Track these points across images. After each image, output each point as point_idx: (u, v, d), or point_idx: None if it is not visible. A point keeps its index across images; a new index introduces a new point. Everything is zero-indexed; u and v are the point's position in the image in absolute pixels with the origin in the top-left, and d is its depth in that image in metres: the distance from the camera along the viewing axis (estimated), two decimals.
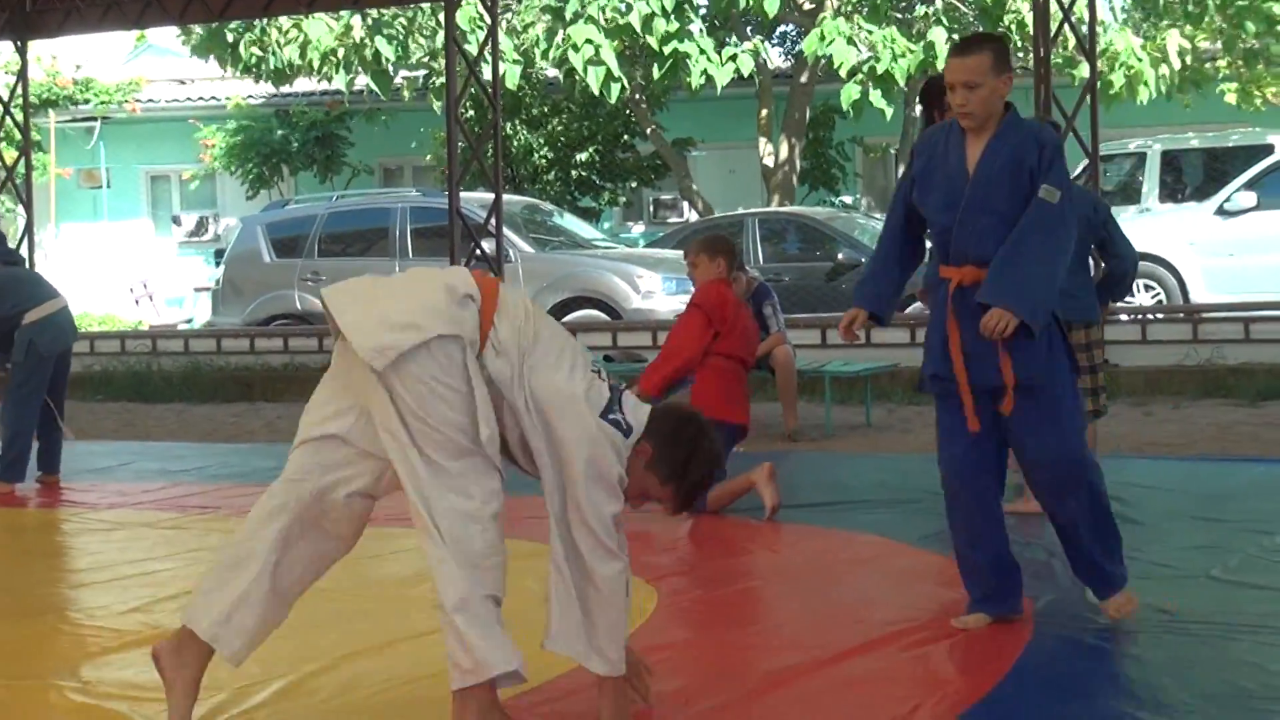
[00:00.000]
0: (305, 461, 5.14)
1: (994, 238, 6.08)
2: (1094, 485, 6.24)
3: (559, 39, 23.36)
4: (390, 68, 25.91)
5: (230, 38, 25.83)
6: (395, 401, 4.80)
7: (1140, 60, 22.63)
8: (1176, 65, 22.83)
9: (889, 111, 23.10)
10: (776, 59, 29.71)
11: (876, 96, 22.70)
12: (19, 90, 20.35)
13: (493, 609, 4.85)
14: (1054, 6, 15.34)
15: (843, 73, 22.76)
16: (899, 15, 24.15)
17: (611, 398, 5.00)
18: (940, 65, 22.59)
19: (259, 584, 5.09)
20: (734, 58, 23.70)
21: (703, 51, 23.36)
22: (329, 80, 26.58)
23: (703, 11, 24.85)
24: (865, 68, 22.63)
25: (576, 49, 22.97)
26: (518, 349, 4.92)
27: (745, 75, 24.30)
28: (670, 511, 5.25)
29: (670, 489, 5.11)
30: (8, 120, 20.57)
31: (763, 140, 27.24)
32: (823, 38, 22.66)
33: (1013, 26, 22.47)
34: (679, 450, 5.08)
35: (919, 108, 8.87)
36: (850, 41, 22.61)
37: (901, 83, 22.92)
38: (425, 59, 26.38)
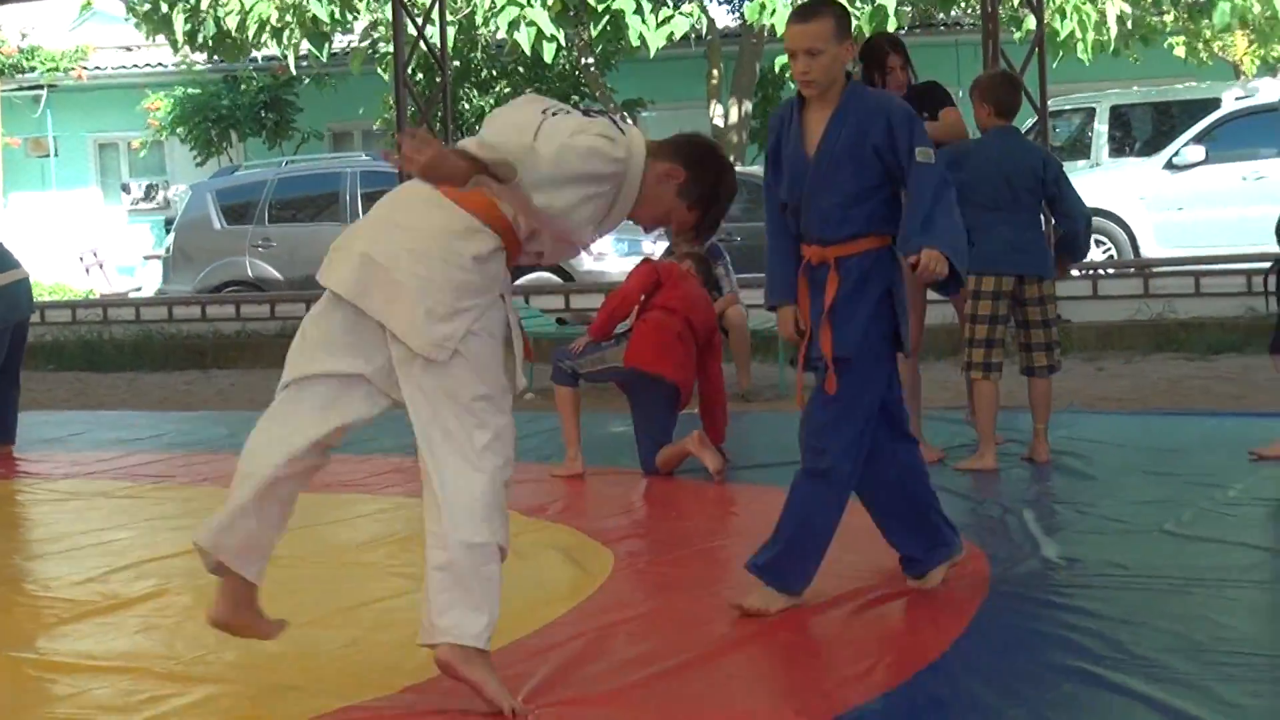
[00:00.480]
0: (330, 396, 5.02)
1: (836, 218, 5.99)
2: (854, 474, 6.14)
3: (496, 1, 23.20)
4: (327, 30, 25.66)
5: (165, 9, 25.60)
6: (442, 376, 4.86)
7: (1086, 17, 22.62)
8: (1114, 31, 22.79)
9: None
10: (725, 18, 29.68)
11: None
12: None
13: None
14: None
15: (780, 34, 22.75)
16: None
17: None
18: (891, 26, 22.65)
19: (256, 497, 5.16)
20: (669, 19, 23.63)
21: (637, 11, 23.20)
22: (268, 48, 26.36)
23: None
24: None
25: (502, 9, 22.78)
26: (528, 201, 4.81)
27: (679, 38, 24.23)
28: (688, 238, 5.85)
29: (696, 214, 5.27)
30: None
31: (713, 101, 27.20)
32: (764, 7, 22.59)
33: None
34: (708, 176, 5.25)
35: (858, 69, 8.87)
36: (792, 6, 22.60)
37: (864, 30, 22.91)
38: (371, 24, 26.21)
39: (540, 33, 22.76)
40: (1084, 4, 22.66)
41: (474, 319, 4.86)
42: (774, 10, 22.53)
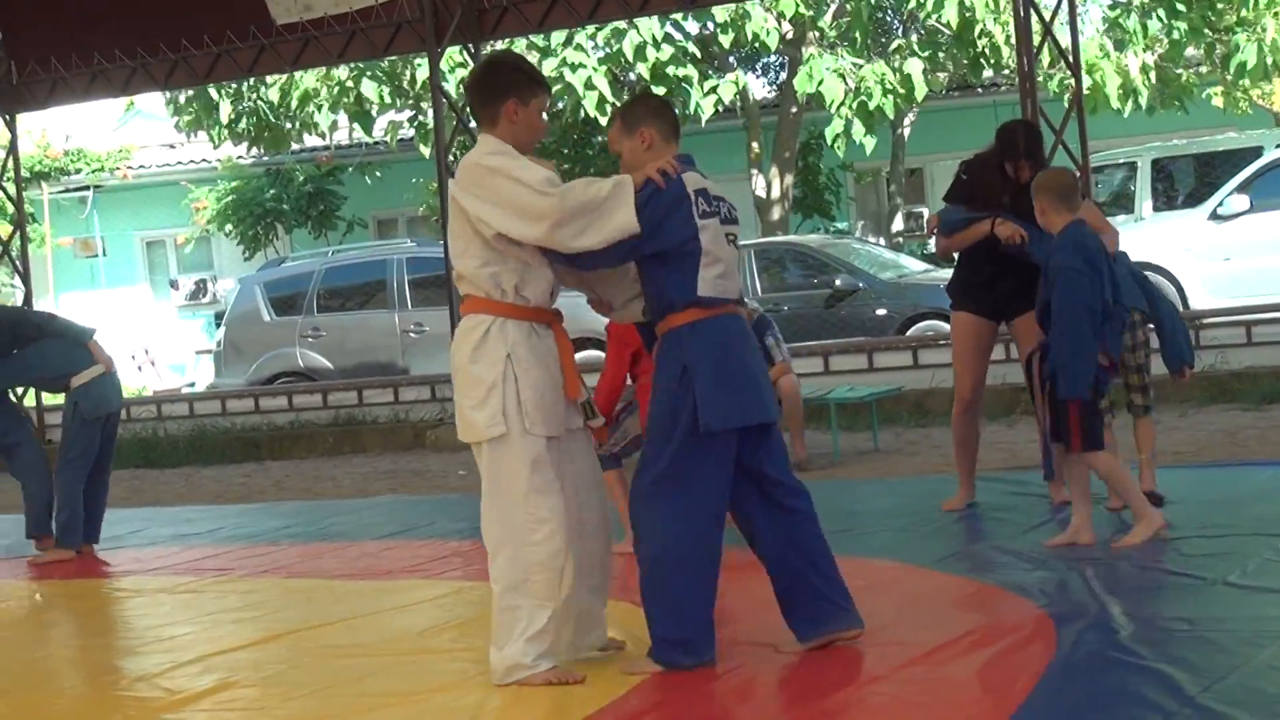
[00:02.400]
0: None
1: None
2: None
3: (550, 70, 23.32)
4: (374, 110, 25.85)
5: (225, 115, 25.96)
6: None
7: (1102, 76, 22.62)
8: (1141, 83, 22.77)
9: (869, 145, 23.14)
10: (760, 90, 29.76)
11: (859, 131, 22.79)
12: (10, 164, 20.41)
13: None
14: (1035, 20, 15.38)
15: (832, 109, 22.85)
16: (880, 46, 24.23)
17: None
18: (919, 96, 22.80)
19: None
20: (715, 89, 23.78)
21: (691, 80, 23.44)
22: (314, 128, 26.51)
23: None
24: (853, 103, 22.68)
25: (574, 69, 22.96)
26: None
27: (727, 105, 24.39)
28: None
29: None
30: (0, 194, 20.61)
31: (754, 172, 27.29)
32: (810, 76, 22.75)
33: (985, 50, 22.48)
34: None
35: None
36: (840, 76, 22.70)
37: (891, 116, 23.02)
38: (412, 102, 26.38)
39: (602, 98, 22.92)
40: (1101, 58, 22.63)
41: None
42: (821, 79, 22.67)
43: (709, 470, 6.16)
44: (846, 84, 22.70)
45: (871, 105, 22.50)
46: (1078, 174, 15.21)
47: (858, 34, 23.07)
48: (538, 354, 6.17)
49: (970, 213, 9.36)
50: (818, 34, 23.62)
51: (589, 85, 22.91)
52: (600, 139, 26.40)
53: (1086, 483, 8.33)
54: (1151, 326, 9.06)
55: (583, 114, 23.71)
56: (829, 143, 23.24)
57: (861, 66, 22.74)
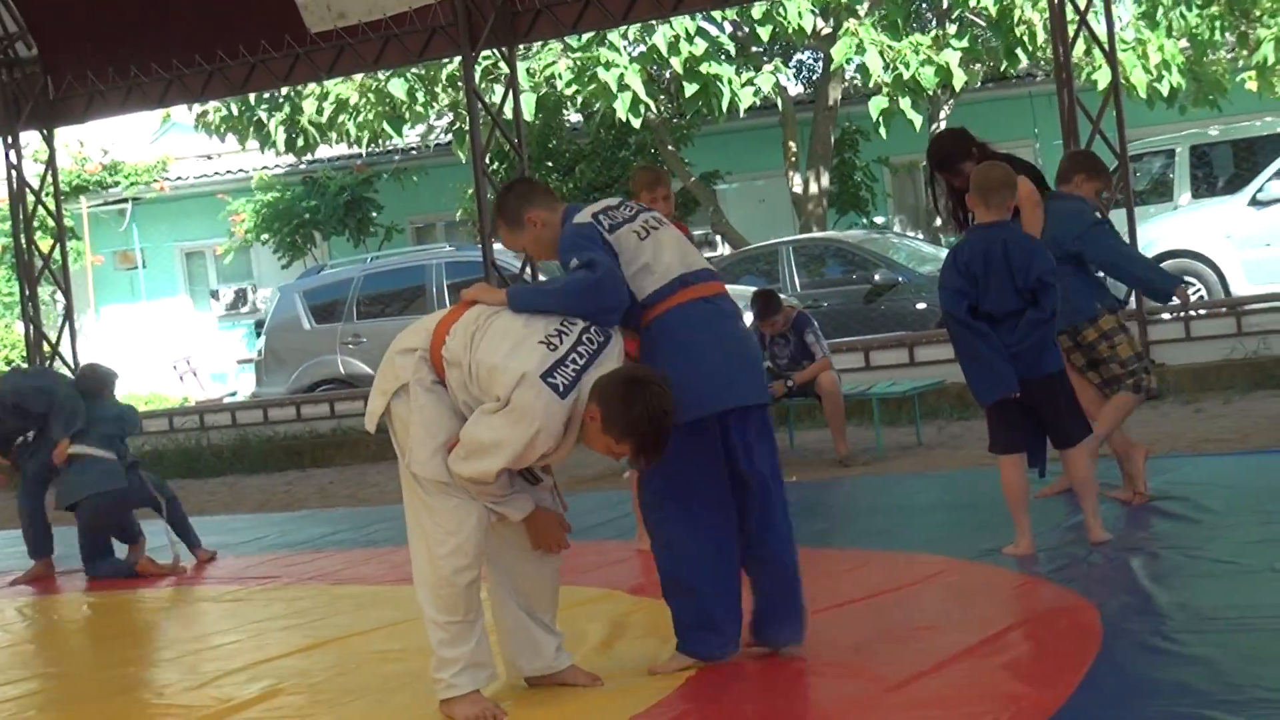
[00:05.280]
0: None
1: None
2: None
3: (584, 67, 23.26)
4: (405, 111, 25.87)
5: (264, 119, 26.13)
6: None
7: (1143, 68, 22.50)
8: (1165, 73, 22.63)
9: (918, 121, 22.97)
10: (795, 87, 29.72)
11: (906, 105, 22.56)
12: (49, 178, 20.50)
13: None
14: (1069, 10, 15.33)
15: (873, 82, 22.73)
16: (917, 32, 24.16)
17: (560, 360, 5.71)
18: (957, 84, 22.64)
19: None
20: (751, 81, 23.71)
21: (726, 77, 23.35)
22: (348, 137, 26.55)
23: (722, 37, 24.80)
24: (892, 77, 22.55)
25: (608, 67, 22.91)
26: (465, 352, 5.90)
27: (766, 97, 24.33)
28: (637, 466, 6.03)
29: (627, 444, 5.70)
30: (40, 209, 20.71)
31: (791, 172, 27.25)
32: (858, 48, 22.53)
33: (1024, 37, 22.37)
34: (625, 411, 5.64)
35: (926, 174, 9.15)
36: (879, 53, 22.54)
37: (929, 89, 22.85)
38: (446, 107, 26.41)
39: (636, 98, 22.86)
40: (1128, 49, 22.46)
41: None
42: (864, 47, 22.51)
43: (696, 459, 6.14)
44: (884, 59, 22.54)
45: (907, 75, 22.31)
46: (1117, 163, 15.16)
47: (898, 21, 22.92)
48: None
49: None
50: (855, 21, 23.45)
51: (622, 85, 22.86)
52: (634, 140, 26.46)
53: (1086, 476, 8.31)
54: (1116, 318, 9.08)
55: (615, 119, 23.63)
56: (873, 116, 22.98)
57: (898, 43, 22.57)
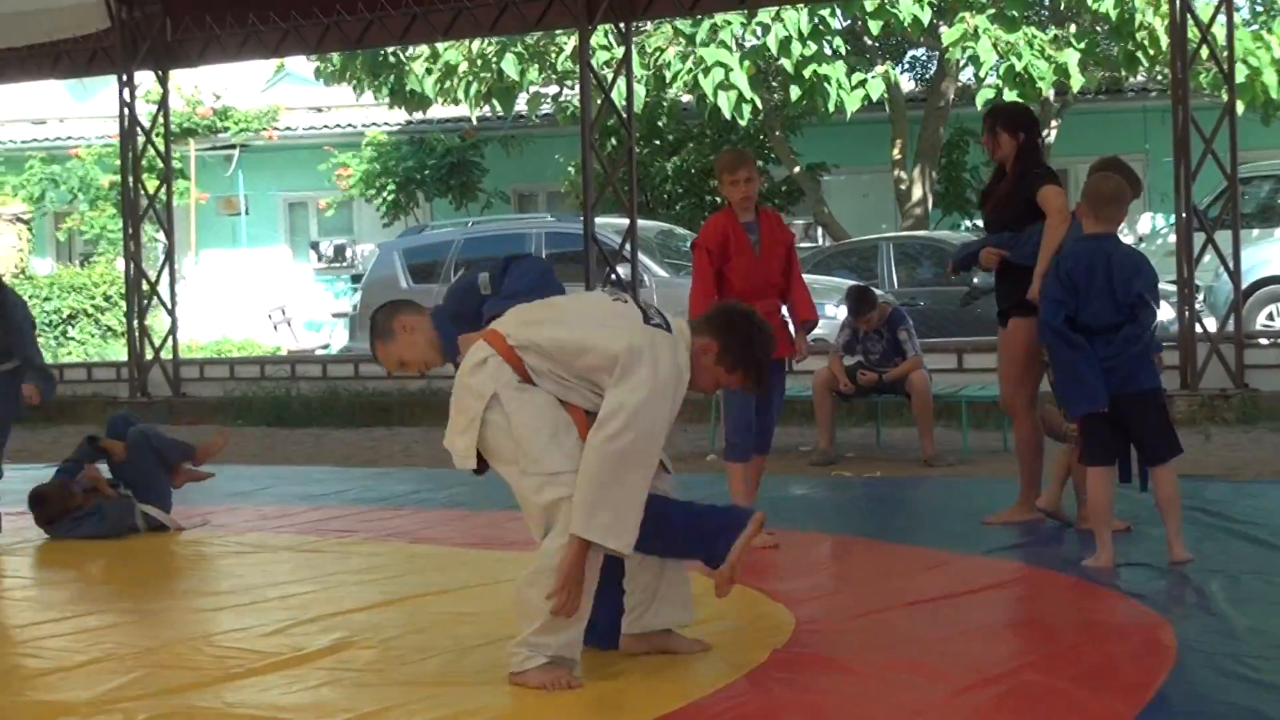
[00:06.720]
0: None
1: None
2: None
3: (690, 63, 23.30)
4: (515, 87, 25.91)
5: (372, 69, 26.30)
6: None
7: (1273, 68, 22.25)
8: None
9: None
10: (907, 84, 29.60)
11: (1013, 97, 22.38)
12: (160, 119, 20.67)
13: None
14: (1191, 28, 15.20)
15: (984, 71, 22.60)
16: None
17: (641, 309, 5.98)
18: (1075, 85, 22.46)
19: None
20: (863, 83, 23.63)
21: (836, 79, 23.26)
22: (456, 103, 26.66)
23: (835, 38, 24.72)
24: (1003, 69, 22.39)
25: (707, 72, 22.92)
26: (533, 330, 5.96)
27: (875, 100, 24.24)
28: (747, 390, 6.63)
29: (739, 373, 6.07)
30: (149, 149, 20.88)
31: (897, 169, 27.16)
32: (975, 34, 22.34)
33: (1145, 42, 22.18)
34: (737, 341, 6.02)
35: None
36: (992, 44, 22.38)
37: (1043, 88, 22.67)
38: (556, 79, 26.46)
39: (740, 96, 22.84)
40: (1257, 48, 22.20)
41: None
42: (977, 34, 22.39)
43: None
44: (998, 52, 22.39)
45: (1019, 66, 22.15)
46: (1226, 184, 15.01)
47: (1014, 14, 22.74)
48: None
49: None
50: (970, 13, 23.26)
51: (723, 85, 22.82)
52: (743, 127, 26.43)
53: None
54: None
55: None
56: (979, 106, 22.84)
57: (1014, 32, 22.42)
